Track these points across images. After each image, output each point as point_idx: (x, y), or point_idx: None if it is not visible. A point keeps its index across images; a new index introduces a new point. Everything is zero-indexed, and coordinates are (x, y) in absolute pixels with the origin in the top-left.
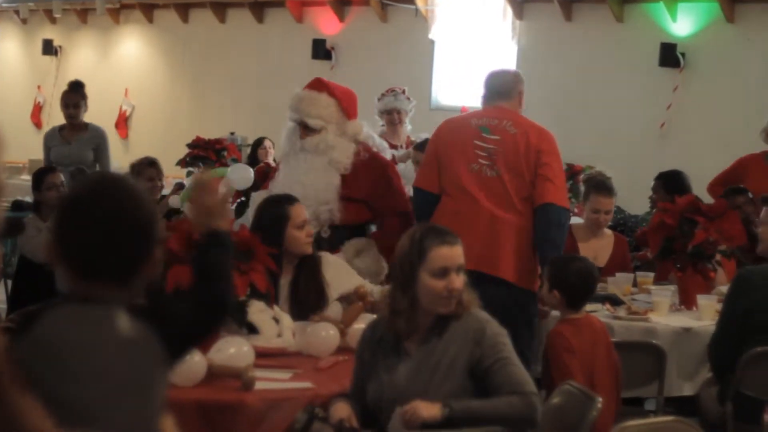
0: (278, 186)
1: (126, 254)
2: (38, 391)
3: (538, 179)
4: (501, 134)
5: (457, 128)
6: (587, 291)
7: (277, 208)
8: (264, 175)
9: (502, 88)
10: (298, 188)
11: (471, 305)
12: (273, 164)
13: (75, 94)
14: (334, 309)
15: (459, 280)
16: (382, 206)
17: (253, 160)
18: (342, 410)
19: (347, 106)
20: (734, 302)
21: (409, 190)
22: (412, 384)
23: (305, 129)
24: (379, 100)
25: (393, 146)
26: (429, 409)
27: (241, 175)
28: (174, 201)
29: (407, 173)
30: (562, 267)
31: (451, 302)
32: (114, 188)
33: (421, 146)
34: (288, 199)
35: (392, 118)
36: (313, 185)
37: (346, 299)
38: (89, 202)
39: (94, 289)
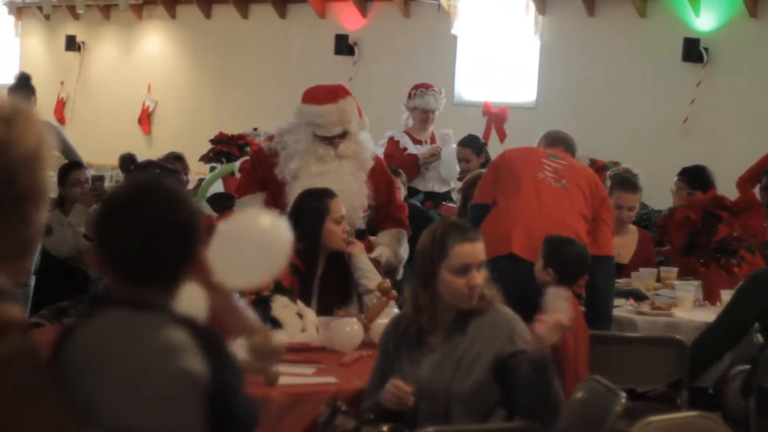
0: None
1: (171, 257)
2: (77, 394)
3: (603, 225)
4: (568, 161)
5: (525, 149)
6: (579, 272)
7: (317, 202)
8: None
9: (570, 146)
10: None
11: (494, 300)
12: None
13: (21, 91)
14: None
15: (480, 277)
16: (380, 213)
17: None
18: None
19: (357, 104)
20: (746, 300)
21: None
22: (436, 378)
23: (340, 137)
24: (415, 96)
25: (417, 142)
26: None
27: None
28: None
29: (449, 171)
30: (558, 247)
31: (472, 298)
32: (156, 191)
33: (464, 143)
34: (328, 193)
35: (427, 116)
36: (347, 192)
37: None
38: (132, 205)
39: (141, 293)
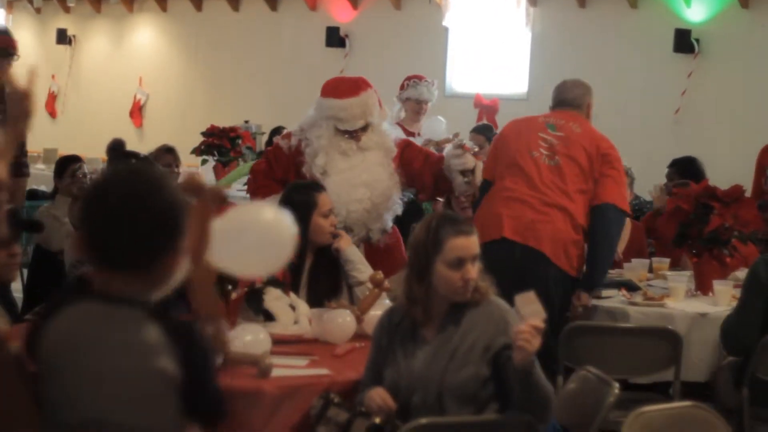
0: (335, 193)
1: (145, 243)
2: (53, 386)
3: (603, 178)
4: (566, 132)
5: (524, 121)
6: None
7: (305, 195)
8: None
9: (573, 100)
10: (364, 190)
11: (488, 292)
12: None
13: None
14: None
15: (474, 270)
16: (420, 170)
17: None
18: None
19: (377, 96)
20: (757, 289)
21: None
22: (429, 370)
23: (362, 130)
24: (408, 87)
25: (410, 134)
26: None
27: None
28: None
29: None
30: None
31: (466, 292)
32: (133, 177)
33: (478, 129)
34: (315, 187)
35: (420, 107)
36: (379, 182)
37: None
38: (107, 191)
39: (120, 282)
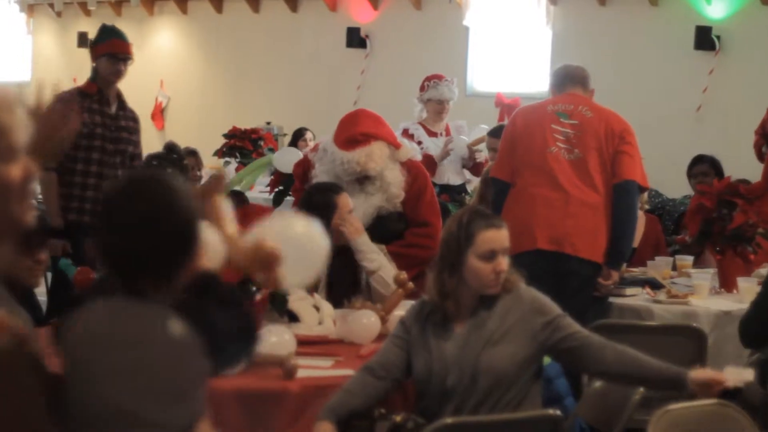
0: None
1: (164, 253)
2: (82, 380)
3: (619, 156)
4: (578, 119)
5: (533, 114)
6: None
7: (325, 197)
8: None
9: (578, 79)
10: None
11: (517, 282)
12: None
13: None
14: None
15: (505, 262)
16: (411, 216)
17: None
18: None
19: (392, 139)
20: None
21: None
22: (464, 352)
23: (364, 177)
24: (429, 87)
25: (433, 134)
26: None
27: (288, 158)
28: None
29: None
30: None
31: (498, 284)
32: (149, 186)
33: (495, 132)
34: (335, 188)
35: (442, 107)
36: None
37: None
38: (124, 201)
39: (138, 286)
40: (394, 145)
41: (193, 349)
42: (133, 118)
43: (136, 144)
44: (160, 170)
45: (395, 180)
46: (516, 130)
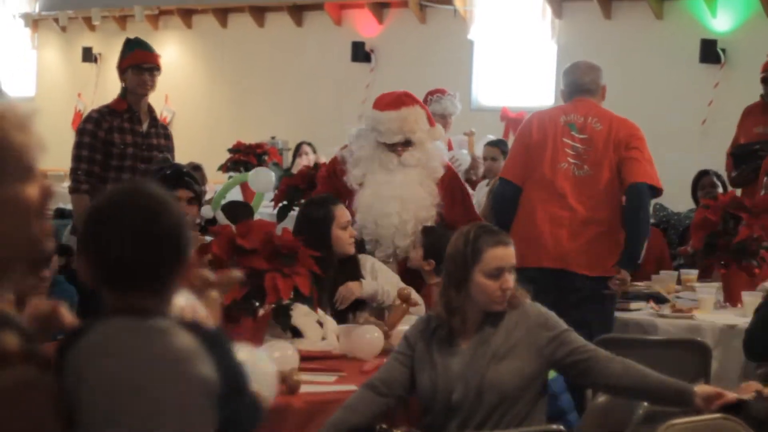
0: (367, 204)
1: (156, 264)
2: (90, 403)
3: (624, 162)
4: (589, 132)
5: (547, 124)
6: None
7: (322, 209)
8: (309, 179)
9: (588, 85)
10: (396, 204)
11: (523, 297)
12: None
13: None
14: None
15: (512, 279)
16: (451, 217)
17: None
18: None
19: (429, 116)
20: None
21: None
22: (470, 367)
23: (404, 145)
24: (431, 101)
25: None
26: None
27: (262, 179)
28: (206, 210)
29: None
30: (439, 239)
31: (504, 301)
32: (135, 197)
33: (493, 143)
34: (331, 200)
35: (445, 121)
36: (412, 200)
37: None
38: (110, 213)
39: (135, 299)
40: (431, 122)
41: (203, 360)
42: (166, 135)
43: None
44: (143, 182)
45: (436, 154)
46: (531, 136)
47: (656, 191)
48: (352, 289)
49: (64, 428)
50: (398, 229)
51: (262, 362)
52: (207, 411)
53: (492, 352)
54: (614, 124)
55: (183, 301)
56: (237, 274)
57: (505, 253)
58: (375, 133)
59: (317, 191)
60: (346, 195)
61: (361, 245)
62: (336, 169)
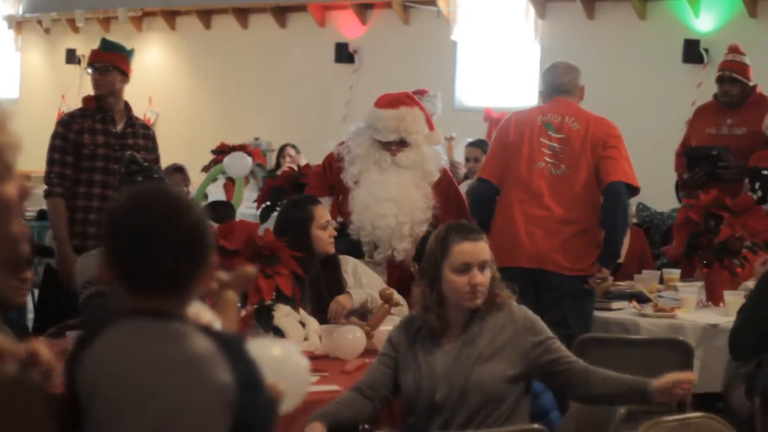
0: (363, 205)
1: (177, 266)
2: (103, 409)
3: (601, 161)
4: (566, 132)
5: (524, 123)
6: None
7: (302, 210)
8: (293, 180)
9: (566, 85)
10: (391, 206)
11: (510, 299)
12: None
13: None
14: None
15: (481, 276)
16: (444, 221)
17: (278, 167)
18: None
19: (429, 119)
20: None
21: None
22: (453, 368)
23: (399, 145)
24: None
25: None
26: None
27: (237, 164)
28: None
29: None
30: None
31: (475, 297)
32: (156, 199)
33: (475, 143)
34: (311, 200)
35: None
36: (408, 201)
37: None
38: (131, 216)
39: (155, 303)
40: (430, 126)
41: (221, 365)
42: (145, 135)
43: (150, 161)
44: (160, 182)
45: (432, 157)
46: (508, 136)
47: (634, 190)
48: (343, 303)
49: (64, 428)
50: (395, 231)
51: (295, 356)
52: (221, 416)
53: (477, 353)
54: (591, 123)
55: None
56: (250, 269)
57: (474, 249)
58: (372, 131)
59: (310, 185)
60: (340, 191)
61: (357, 247)
62: (331, 164)
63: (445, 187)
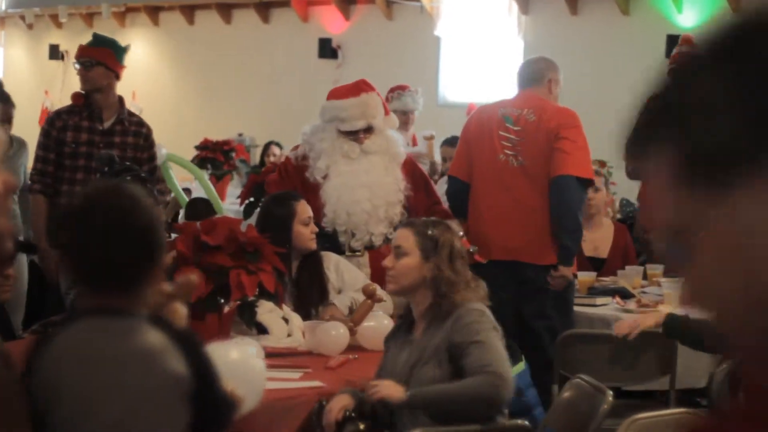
0: (335, 196)
1: (129, 262)
2: (62, 405)
3: (554, 153)
4: (522, 124)
5: (485, 118)
6: None
7: (283, 206)
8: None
9: (531, 75)
10: (364, 191)
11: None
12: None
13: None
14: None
15: (390, 260)
16: (415, 202)
17: (263, 165)
18: (341, 400)
19: (383, 100)
20: None
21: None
22: (402, 367)
23: (365, 132)
24: (392, 99)
25: None
26: (392, 389)
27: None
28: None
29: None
30: None
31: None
32: (111, 196)
33: (449, 142)
34: (293, 196)
35: (407, 118)
36: (380, 185)
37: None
38: (86, 211)
39: (108, 300)
40: (386, 111)
41: (174, 357)
42: (136, 132)
43: (142, 160)
44: (117, 180)
45: (395, 140)
46: (470, 131)
47: (587, 182)
48: (333, 315)
49: (34, 428)
50: (371, 215)
51: (252, 359)
52: (179, 406)
53: (418, 355)
54: (546, 114)
55: None
56: (193, 277)
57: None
58: (336, 122)
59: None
60: (306, 191)
61: (333, 237)
62: (289, 169)
63: (410, 168)
